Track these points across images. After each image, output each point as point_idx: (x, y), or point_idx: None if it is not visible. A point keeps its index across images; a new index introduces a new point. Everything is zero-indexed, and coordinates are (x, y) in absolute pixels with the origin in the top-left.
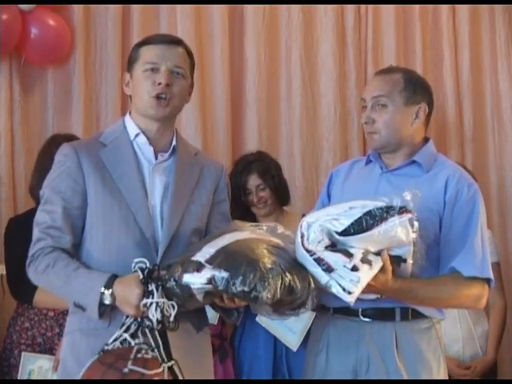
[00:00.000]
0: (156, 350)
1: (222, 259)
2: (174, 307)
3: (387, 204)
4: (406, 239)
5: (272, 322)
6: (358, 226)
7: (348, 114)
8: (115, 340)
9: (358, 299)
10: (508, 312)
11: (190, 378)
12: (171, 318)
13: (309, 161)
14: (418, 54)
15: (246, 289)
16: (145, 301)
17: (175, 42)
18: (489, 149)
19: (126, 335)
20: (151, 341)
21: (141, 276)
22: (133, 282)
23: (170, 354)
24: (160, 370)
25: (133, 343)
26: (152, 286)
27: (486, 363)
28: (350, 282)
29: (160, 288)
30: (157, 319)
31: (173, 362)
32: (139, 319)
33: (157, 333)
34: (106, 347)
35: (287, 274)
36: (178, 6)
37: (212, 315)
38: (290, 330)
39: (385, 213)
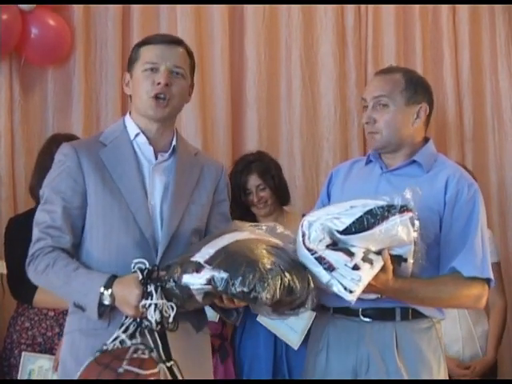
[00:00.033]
0: (155, 351)
1: (221, 260)
2: (173, 308)
3: (388, 203)
4: (406, 238)
5: (273, 321)
6: (359, 225)
7: (348, 114)
8: (114, 340)
9: (359, 299)
10: (508, 312)
11: (189, 378)
12: (170, 319)
13: (309, 160)
14: (418, 54)
15: (245, 289)
16: (144, 302)
17: (175, 42)
18: (489, 148)
19: (123, 335)
20: (150, 341)
21: (140, 277)
22: (132, 283)
23: (170, 354)
24: (156, 370)
25: (129, 343)
26: (151, 287)
27: (486, 363)
28: (352, 280)
29: (159, 289)
30: (156, 320)
31: (172, 362)
32: (138, 320)
33: (156, 333)
34: (104, 347)
35: (286, 274)
36: (178, 6)
37: (212, 313)
38: (292, 329)
39: (386, 211)
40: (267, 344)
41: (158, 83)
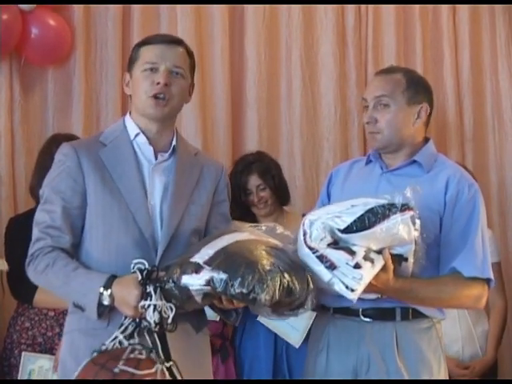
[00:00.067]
0: (154, 351)
1: (220, 261)
2: (172, 309)
3: (389, 201)
4: (407, 237)
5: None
6: (361, 224)
7: (348, 114)
8: (112, 340)
9: (359, 299)
10: (508, 312)
11: (189, 378)
12: (169, 320)
13: (309, 160)
14: (419, 54)
15: (244, 291)
16: (143, 303)
17: (175, 41)
18: (489, 148)
19: (121, 336)
20: (149, 341)
21: (139, 277)
22: (131, 283)
23: (169, 354)
24: (153, 370)
25: (126, 344)
26: (150, 288)
27: (485, 363)
28: (353, 279)
29: (158, 290)
30: (154, 321)
31: (171, 362)
32: (137, 320)
33: (155, 334)
34: (102, 347)
35: (286, 275)
36: (178, 6)
37: (213, 313)
38: (293, 327)
39: (387, 210)
40: (267, 344)
41: (158, 83)
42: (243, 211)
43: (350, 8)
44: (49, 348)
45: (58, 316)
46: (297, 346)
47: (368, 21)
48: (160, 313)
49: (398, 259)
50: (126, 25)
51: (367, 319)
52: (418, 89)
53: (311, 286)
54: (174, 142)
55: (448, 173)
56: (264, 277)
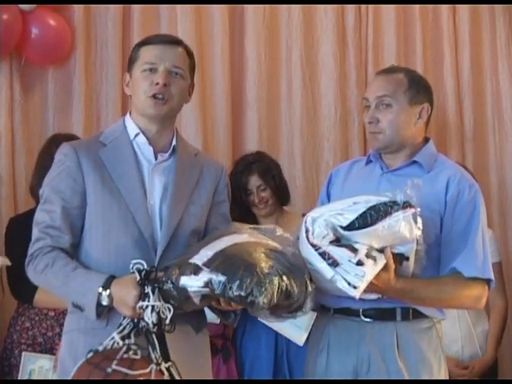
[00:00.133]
0: (152, 351)
1: (219, 263)
2: (170, 310)
3: (391, 199)
4: (409, 235)
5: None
6: (363, 221)
7: (348, 114)
8: (109, 340)
9: (360, 299)
10: (508, 312)
11: (188, 379)
12: (167, 321)
13: (309, 161)
14: (419, 54)
15: (242, 293)
16: (141, 303)
17: (175, 42)
18: (489, 148)
19: (118, 336)
20: (147, 342)
21: (138, 277)
22: (130, 284)
23: (168, 355)
24: (147, 370)
25: (121, 344)
26: (148, 289)
27: (485, 363)
28: (355, 276)
29: (156, 290)
30: (152, 322)
31: (170, 363)
32: (135, 320)
33: (154, 334)
34: (99, 347)
35: (284, 278)
36: (178, 6)
37: (213, 315)
38: (296, 326)
39: (389, 207)
40: (268, 344)
41: (157, 83)
42: (243, 211)
43: (350, 8)
44: (49, 348)
45: (58, 316)
46: (301, 344)
47: (368, 21)
48: (158, 313)
49: (399, 258)
50: (126, 25)
51: (367, 319)
52: (419, 89)
53: (310, 288)
54: (173, 142)
55: (448, 173)
56: (262, 280)
